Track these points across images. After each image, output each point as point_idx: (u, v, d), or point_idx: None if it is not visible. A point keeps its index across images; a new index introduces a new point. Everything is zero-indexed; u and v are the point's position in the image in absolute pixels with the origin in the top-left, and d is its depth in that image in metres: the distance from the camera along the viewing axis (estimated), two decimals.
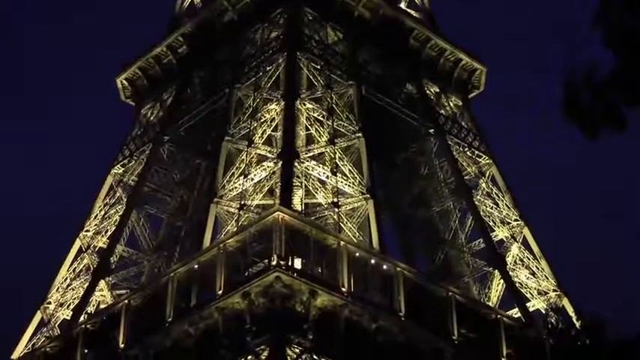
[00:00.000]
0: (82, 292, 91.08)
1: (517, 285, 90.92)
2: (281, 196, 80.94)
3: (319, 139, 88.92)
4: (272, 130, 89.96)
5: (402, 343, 72.82)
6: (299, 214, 79.05)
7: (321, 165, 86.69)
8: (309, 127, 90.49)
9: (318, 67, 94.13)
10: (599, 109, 13.59)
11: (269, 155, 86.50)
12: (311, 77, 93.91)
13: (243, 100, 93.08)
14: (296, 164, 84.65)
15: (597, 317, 28.48)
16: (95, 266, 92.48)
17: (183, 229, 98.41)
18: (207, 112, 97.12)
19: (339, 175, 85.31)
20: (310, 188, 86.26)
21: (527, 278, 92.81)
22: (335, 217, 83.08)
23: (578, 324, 29.78)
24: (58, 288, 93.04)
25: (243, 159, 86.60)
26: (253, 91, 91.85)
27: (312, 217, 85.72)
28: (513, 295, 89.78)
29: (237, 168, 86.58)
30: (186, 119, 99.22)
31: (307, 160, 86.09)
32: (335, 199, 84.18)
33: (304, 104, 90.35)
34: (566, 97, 13.71)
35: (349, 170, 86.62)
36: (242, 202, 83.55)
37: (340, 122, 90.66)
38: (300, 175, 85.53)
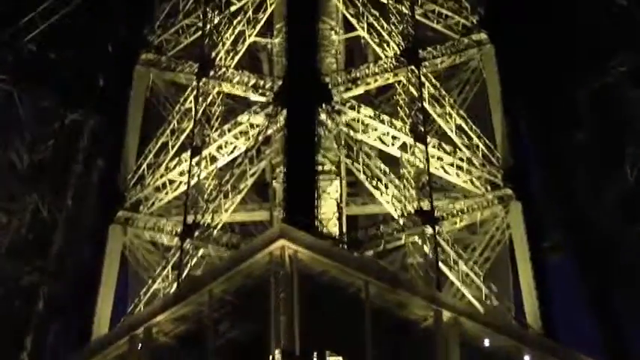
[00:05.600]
0: None
1: None
2: (286, 201, 40.37)
3: (380, 51, 43.59)
4: (257, 34, 44.85)
5: None
6: (334, 244, 36.92)
7: (383, 116, 42.25)
8: (353, 19, 44.70)
9: None
10: None
11: (253, 97, 42.94)
12: None
13: None
14: (321, 115, 40.61)
15: None
16: None
17: (41, 289, 45.61)
18: None
19: (432, 138, 41.94)
20: (362, 178, 40.88)
21: None
22: (427, 248, 39.19)
23: None
24: None
25: (187, 109, 42.88)
26: None
27: (366, 251, 40.67)
28: None
29: (170, 135, 43.28)
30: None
31: (349, 107, 41.44)
32: (424, 205, 39.59)
33: None
34: None
35: (460, 125, 42.86)
36: (190, 221, 40.58)
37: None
38: (336, 142, 41.33)
